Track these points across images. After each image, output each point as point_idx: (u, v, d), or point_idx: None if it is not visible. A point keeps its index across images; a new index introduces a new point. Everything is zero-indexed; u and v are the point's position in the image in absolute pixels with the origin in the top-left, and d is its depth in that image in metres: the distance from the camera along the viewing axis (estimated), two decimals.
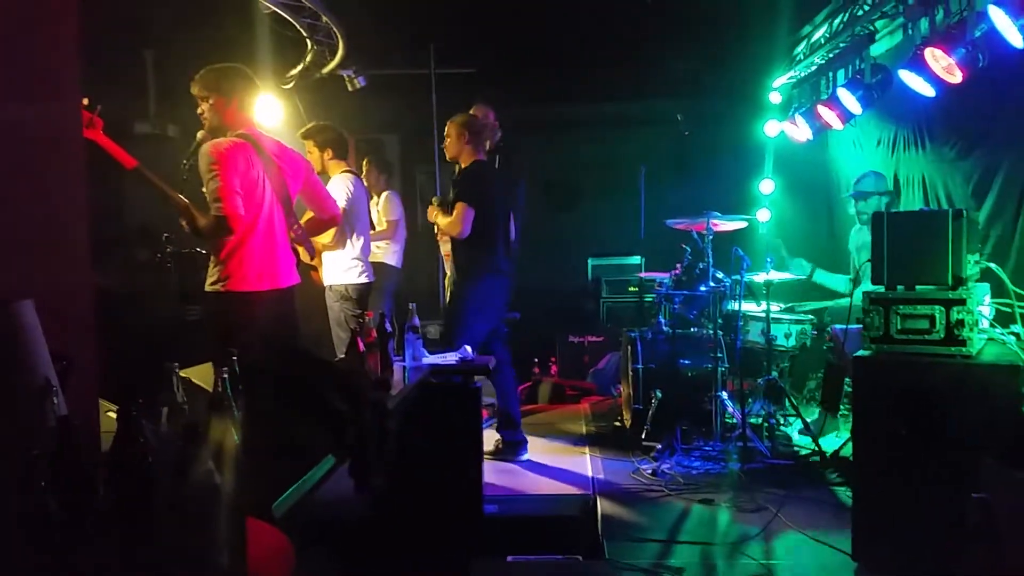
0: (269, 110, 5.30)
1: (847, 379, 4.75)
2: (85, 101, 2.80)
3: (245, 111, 3.43)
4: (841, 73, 5.67)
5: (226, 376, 1.72)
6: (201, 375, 2.70)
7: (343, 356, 3.15)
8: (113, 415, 2.14)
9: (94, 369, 1.85)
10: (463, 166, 4.67)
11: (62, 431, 1.16)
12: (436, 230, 5.05)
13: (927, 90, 4.40)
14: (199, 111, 3.43)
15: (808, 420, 4.82)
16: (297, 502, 1.70)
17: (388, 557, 3.03)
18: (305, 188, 3.68)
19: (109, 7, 3.83)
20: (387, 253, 5.75)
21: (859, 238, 5.36)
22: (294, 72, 5.86)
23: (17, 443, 1.16)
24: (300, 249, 3.79)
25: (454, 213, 4.53)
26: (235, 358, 1.93)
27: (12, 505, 1.11)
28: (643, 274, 6.56)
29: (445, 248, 5.09)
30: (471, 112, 4.92)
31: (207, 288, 3.39)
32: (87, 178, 2.03)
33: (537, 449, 4.82)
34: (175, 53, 4.86)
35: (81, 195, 2.00)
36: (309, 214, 3.90)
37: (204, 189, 3.23)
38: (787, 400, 4.97)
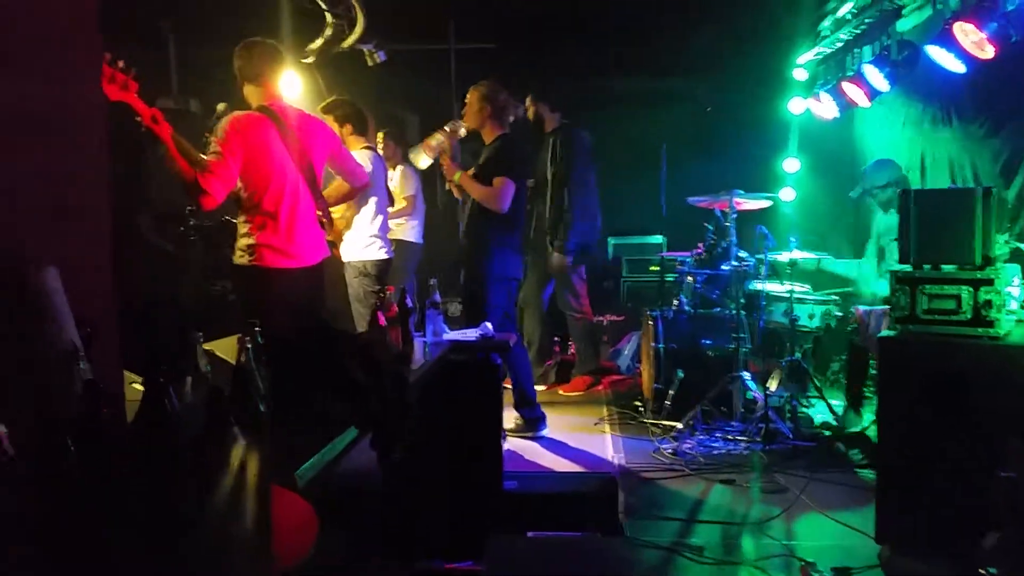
0: (289, 84, 5.27)
1: (871, 360, 4.71)
2: (120, 63, 2.80)
3: (269, 86, 3.43)
4: (867, 49, 5.56)
5: (250, 346, 1.72)
6: (226, 348, 2.72)
7: (364, 330, 3.16)
8: (137, 386, 2.16)
9: (117, 337, 1.86)
10: (489, 140, 4.59)
11: (88, 394, 1.16)
12: (450, 187, 4.82)
13: (956, 66, 4.31)
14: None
15: (831, 402, 4.78)
16: (320, 471, 1.70)
17: (407, 529, 3.05)
18: (333, 158, 3.70)
19: None
20: (406, 230, 5.75)
21: (884, 221, 5.29)
22: (314, 46, 5.83)
23: (44, 405, 1.17)
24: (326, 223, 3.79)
25: (495, 185, 4.40)
26: (258, 329, 1.93)
27: (38, 466, 1.11)
28: (665, 253, 6.52)
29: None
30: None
31: (235, 262, 3.41)
32: (111, 149, 2.04)
33: (557, 427, 4.82)
34: (197, 28, 4.86)
35: (103, 166, 2.00)
36: (335, 183, 3.91)
37: (205, 152, 3.23)
38: (810, 382, 4.93)
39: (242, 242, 3.39)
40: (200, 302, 4.50)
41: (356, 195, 4.10)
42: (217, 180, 3.16)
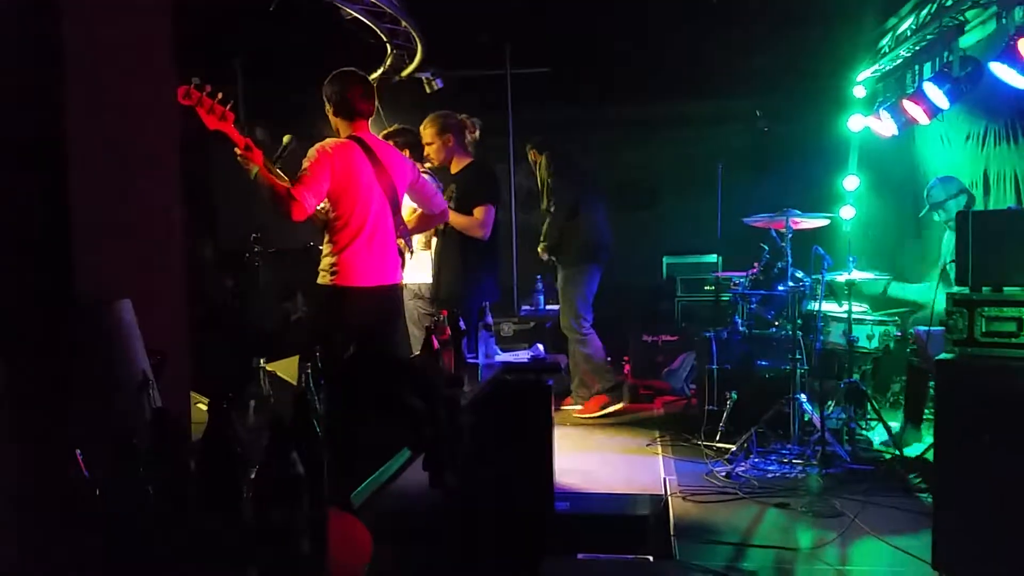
0: None
1: (932, 382, 4.62)
2: (220, 95, 2.99)
3: (359, 116, 3.60)
4: (928, 66, 5.48)
5: (309, 371, 1.81)
6: (286, 369, 2.83)
7: (418, 353, 3.24)
8: (203, 406, 2.27)
9: (186, 363, 1.97)
10: (457, 169, 4.56)
11: (158, 422, 1.26)
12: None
13: (1021, 82, 4.23)
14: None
15: (890, 425, 4.69)
16: (374, 493, 1.77)
17: (460, 551, 3.11)
18: (413, 187, 3.83)
19: (198, 18, 4.02)
20: None
21: (951, 242, 5.19)
22: (374, 76, 6.00)
23: (118, 433, 1.26)
24: (404, 248, 3.91)
25: (476, 214, 4.38)
26: (319, 353, 2.03)
27: (113, 491, 1.21)
28: (720, 273, 6.48)
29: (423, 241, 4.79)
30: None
31: (318, 281, 3.57)
32: (181, 184, 2.16)
33: (609, 448, 4.84)
34: (262, 60, 5.05)
35: (175, 199, 2.13)
36: (417, 213, 4.03)
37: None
38: (869, 404, 4.84)
39: (326, 262, 3.55)
40: (270, 323, 4.66)
41: (438, 222, 4.18)
42: (307, 190, 3.30)
